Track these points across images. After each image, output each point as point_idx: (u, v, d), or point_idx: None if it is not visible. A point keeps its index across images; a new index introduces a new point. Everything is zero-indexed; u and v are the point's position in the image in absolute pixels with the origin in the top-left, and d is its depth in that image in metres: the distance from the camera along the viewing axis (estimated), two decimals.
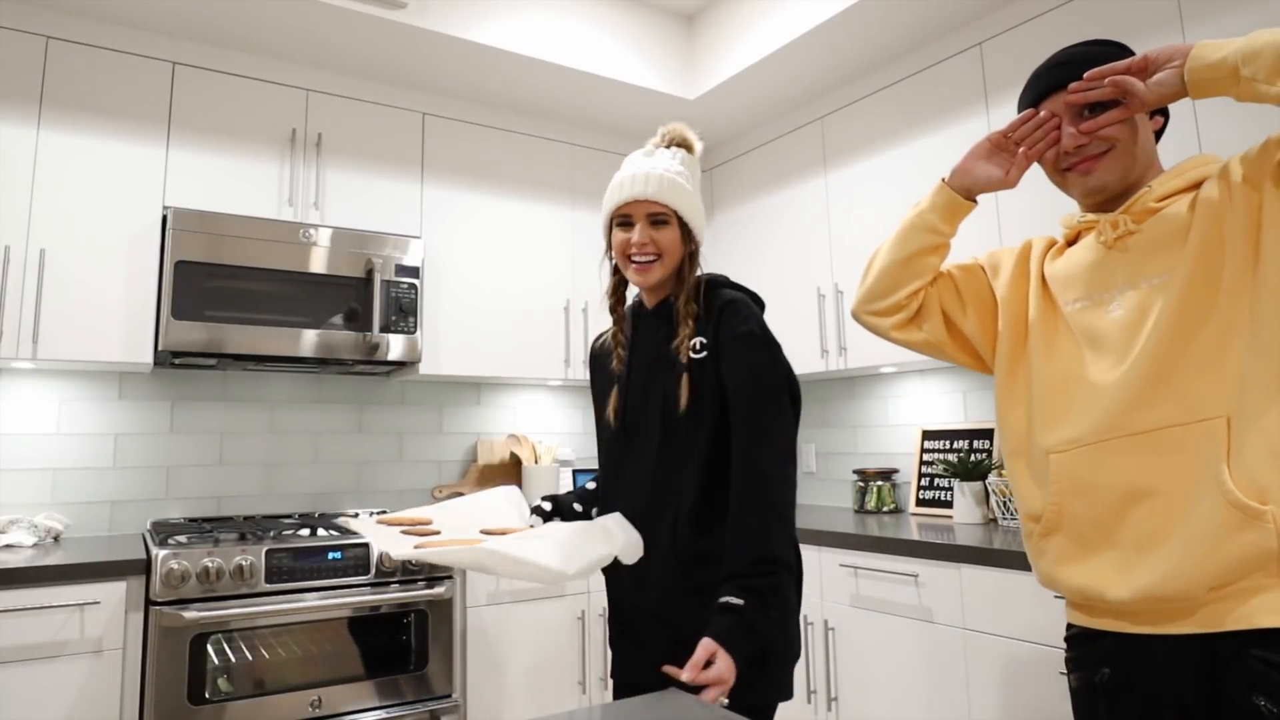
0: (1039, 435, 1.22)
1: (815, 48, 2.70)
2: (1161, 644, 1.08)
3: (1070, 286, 1.22)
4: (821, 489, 3.31)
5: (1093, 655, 1.17)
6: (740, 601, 1.22)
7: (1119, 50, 1.22)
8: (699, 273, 1.46)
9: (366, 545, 2.27)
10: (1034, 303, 1.27)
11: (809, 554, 2.44)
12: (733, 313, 1.38)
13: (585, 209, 3.26)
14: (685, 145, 1.48)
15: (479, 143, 3.05)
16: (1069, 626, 1.23)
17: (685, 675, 1.16)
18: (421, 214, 2.88)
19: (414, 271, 2.74)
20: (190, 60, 2.56)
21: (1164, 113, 1.25)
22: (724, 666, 1.18)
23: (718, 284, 1.46)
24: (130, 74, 2.46)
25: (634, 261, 1.42)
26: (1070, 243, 1.30)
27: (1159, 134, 1.25)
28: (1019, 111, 1.28)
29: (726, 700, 1.22)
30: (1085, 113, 1.19)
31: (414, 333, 2.71)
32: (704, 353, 1.37)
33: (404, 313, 2.70)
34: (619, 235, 1.44)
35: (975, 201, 1.33)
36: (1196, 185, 1.14)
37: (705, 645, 1.19)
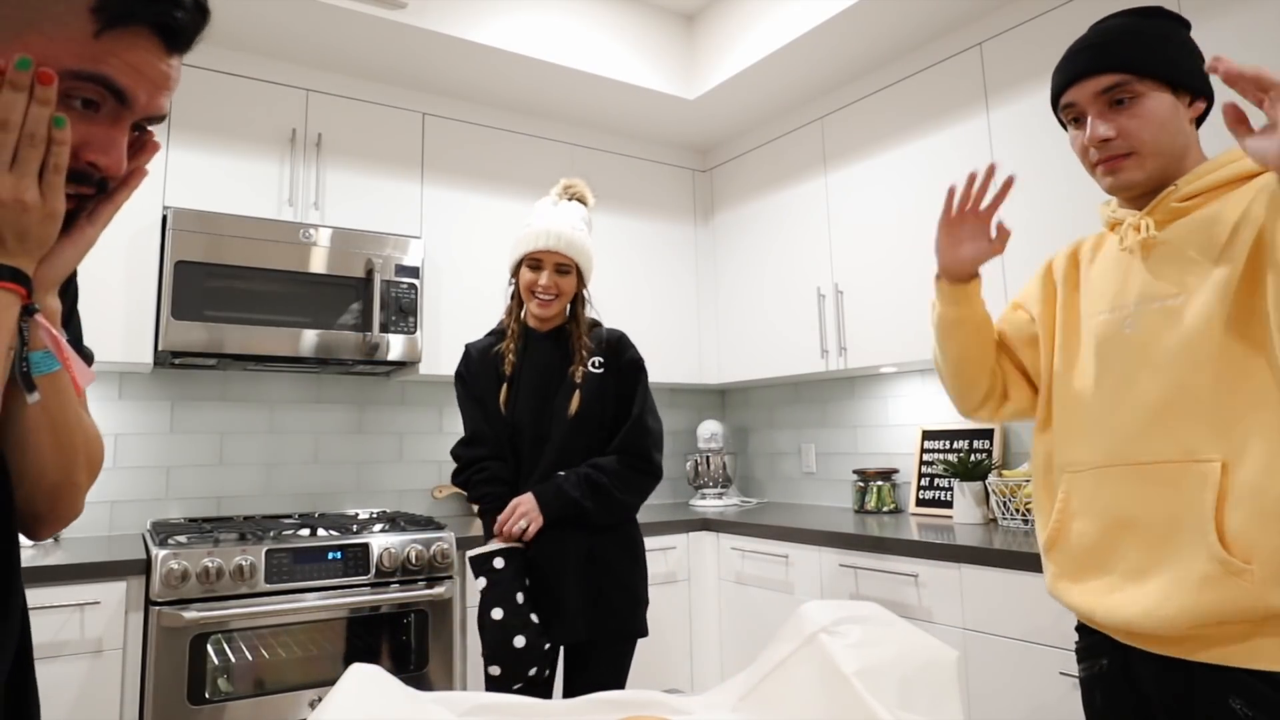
0: (1058, 451, 1.21)
1: (815, 48, 2.70)
2: (1150, 657, 1.09)
3: (1099, 296, 1.18)
4: (821, 489, 3.31)
5: (1096, 646, 1.19)
6: (562, 474, 1.83)
7: (1157, 21, 1.13)
8: (588, 313, 1.97)
9: (366, 545, 2.27)
10: (1059, 319, 1.24)
11: (809, 554, 2.44)
12: (626, 343, 1.97)
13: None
14: (584, 200, 1.96)
15: (479, 143, 3.05)
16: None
17: (500, 527, 1.78)
18: (421, 214, 2.88)
19: (414, 271, 2.74)
20: (190, 60, 2.56)
21: (1208, 96, 1.13)
22: (528, 503, 1.78)
23: (596, 323, 1.99)
24: None
25: (538, 298, 1.87)
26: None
27: (1200, 120, 1.15)
28: (1053, 94, 1.19)
29: (524, 525, 1.75)
30: (1116, 104, 1.10)
31: (414, 333, 2.71)
32: (602, 369, 1.91)
33: (404, 313, 2.70)
34: (528, 274, 1.88)
35: (978, 276, 1.29)
36: (1227, 184, 1.06)
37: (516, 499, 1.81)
